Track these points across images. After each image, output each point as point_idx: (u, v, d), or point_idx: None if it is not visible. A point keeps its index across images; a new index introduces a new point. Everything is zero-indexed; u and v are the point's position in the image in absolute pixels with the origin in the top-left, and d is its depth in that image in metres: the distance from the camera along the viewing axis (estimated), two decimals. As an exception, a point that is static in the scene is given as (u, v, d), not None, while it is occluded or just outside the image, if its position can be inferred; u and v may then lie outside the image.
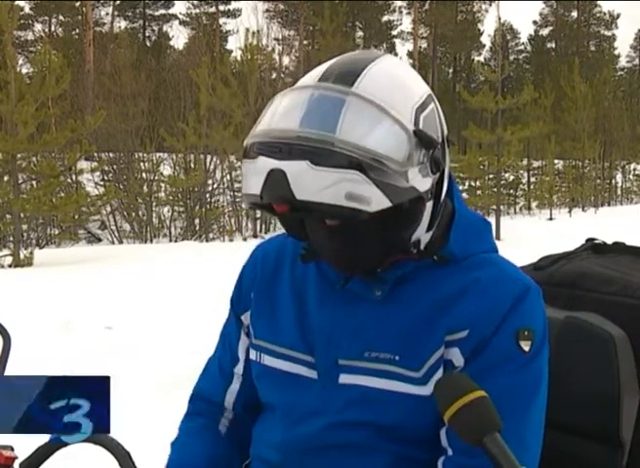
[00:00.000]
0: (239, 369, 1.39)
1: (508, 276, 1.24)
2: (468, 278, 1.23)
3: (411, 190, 1.13)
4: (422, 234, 1.22)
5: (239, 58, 20.46)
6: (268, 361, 1.31)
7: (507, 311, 1.20)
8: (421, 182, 1.15)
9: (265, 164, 1.09)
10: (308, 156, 1.07)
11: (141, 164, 20.49)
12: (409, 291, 1.23)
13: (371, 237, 1.18)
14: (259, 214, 19.89)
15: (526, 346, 1.19)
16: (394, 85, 1.16)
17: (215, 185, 21.11)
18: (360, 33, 46.05)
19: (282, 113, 1.13)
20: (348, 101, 1.10)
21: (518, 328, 1.19)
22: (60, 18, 40.02)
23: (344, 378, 1.23)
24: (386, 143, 1.10)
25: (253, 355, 1.34)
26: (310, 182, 1.06)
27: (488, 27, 54.11)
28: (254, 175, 1.11)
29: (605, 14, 52.23)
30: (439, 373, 1.19)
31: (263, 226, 20.68)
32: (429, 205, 1.20)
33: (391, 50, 47.43)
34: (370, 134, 1.09)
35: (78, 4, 38.12)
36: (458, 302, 1.21)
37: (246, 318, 1.38)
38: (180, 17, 44.01)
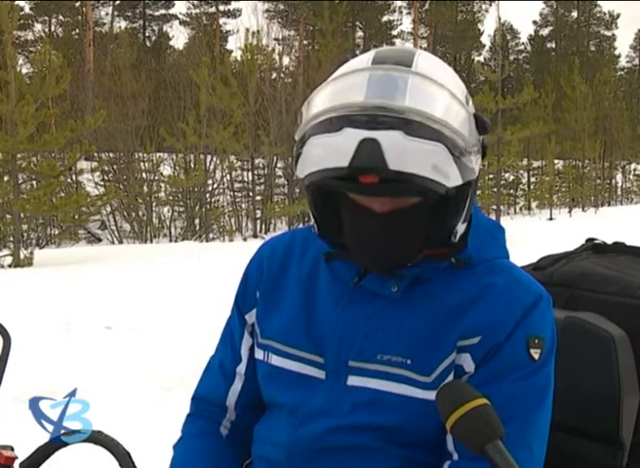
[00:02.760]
0: (241, 368, 1.37)
1: (521, 283, 1.24)
2: (482, 283, 1.22)
3: (472, 171, 1.14)
4: (459, 225, 1.21)
5: (239, 58, 20.42)
6: (276, 361, 1.29)
7: (519, 319, 1.19)
8: (476, 166, 1.16)
9: (355, 134, 1.07)
10: (400, 126, 1.06)
11: (141, 164, 20.50)
12: (424, 292, 1.23)
13: (418, 225, 1.17)
14: (259, 214, 19.90)
15: (536, 354, 1.19)
16: (445, 72, 1.18)
17: (215, 185, 21.11)
18: (360, 33, 46.02)
19: (345, 92, 1.11)
20: (411, 80, 1.11)
21: (529, 336, 1.19)
22: (60, 18, 40.00)
23: (353, 380, 1.22)
24: (457, 122, 1.11)
25: (260, 354, 1.32)
26: (404, 153, 1.06)
27: (488, 27, 54.06)
28: (337, 147, 1.08)
29: (605, 14, 52.25)
30: (450, 379, 1.18)
31: (263, 226, 20.67)
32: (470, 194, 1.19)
33: (391, 50, 47.30)
34: (444, 111, 1.10)
35: (78, 4, 38.10)
36: (471, 308, 1.20)
37: (250, 317, 1.36)
38: (180, 17, 44.02)
